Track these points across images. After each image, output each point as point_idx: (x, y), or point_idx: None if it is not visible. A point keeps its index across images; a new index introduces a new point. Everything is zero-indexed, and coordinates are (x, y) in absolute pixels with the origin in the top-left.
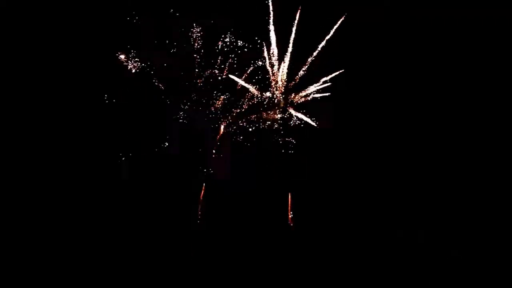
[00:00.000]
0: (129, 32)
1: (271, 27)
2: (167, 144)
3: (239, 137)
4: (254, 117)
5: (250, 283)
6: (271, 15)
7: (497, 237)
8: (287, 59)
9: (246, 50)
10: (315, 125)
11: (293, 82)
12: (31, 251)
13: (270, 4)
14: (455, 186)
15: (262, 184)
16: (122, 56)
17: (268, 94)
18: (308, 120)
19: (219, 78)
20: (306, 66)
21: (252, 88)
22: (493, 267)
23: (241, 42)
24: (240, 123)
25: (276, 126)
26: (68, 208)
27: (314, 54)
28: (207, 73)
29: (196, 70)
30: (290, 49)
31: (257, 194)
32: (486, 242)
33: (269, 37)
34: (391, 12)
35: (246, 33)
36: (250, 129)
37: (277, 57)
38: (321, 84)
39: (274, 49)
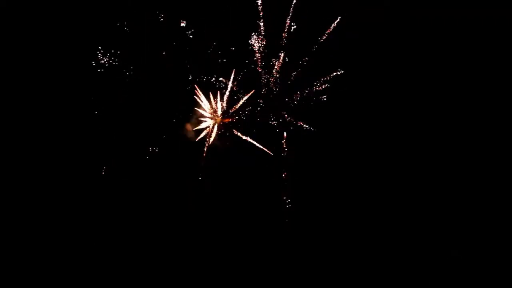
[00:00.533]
0: (122, 33)
1: (266, 27)
2: (158, 147)
3: (233, 141)
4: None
5: (250, 282)
6: (265, 14)
7: (497, 237)
8: (282, 60)
9: (235, 50)
10: (312, 129)
11: (279, 86)
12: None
13: (260, 3)
14: (455, 186)
15: (259, 185)
16: (104, 58)
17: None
18: (304, 124)
19: (212, 80)
20: (303, 67)
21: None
22: (493, 267)
23: (233, 42)
24: (234, 128)
25: (271, 128)
26: (62, 210)
27: (312, 55)
28: (202, 77)
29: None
30: (286, 50)
31: (254, 194)
32: (486, 242)
33: (263, 37)
34: (391, 12)
35: (237, 32)
36: (244, 136)
37: (272, 59)
38: (319, 86)
39: (269, 50)
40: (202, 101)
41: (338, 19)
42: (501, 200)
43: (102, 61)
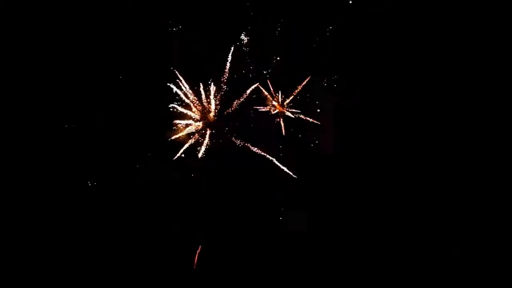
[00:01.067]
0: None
1: (264, 26)
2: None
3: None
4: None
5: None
6: (263, 14)
7: (497, 237)
8: (281, 61)
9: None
10: (310, 130)
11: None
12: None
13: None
14: (455, 186)
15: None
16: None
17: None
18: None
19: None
20: (302, 68)
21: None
22: (493, 267)
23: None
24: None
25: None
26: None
27: (311, 55)
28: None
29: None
30: (285, 51)
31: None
32: (486, 242)
33: (260, 37)
34: (391, 12)
35: (233, 32)
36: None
37: (269, 59)
38: (319, 86)
39: (267, 51)
40: (193, 101)
41: (338, 20)
42: (501, 200)
43: (97, 62)
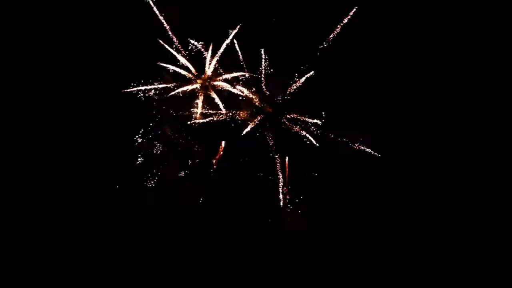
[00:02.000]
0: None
1: (264, 27)
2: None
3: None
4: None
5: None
6: (264, 14)
7: (497, 237)
8: (283, 59)
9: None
10: (308, 130)
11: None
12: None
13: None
14: (455, 185)
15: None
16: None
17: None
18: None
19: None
20: (303, 68)
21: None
22: (493, 267)
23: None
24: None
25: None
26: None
27: (312, 55)
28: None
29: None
30: (285, 51)
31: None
32: (486, 242)
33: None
34: (391, 12)
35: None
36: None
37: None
38: (317, 86)
39: (267, 51)
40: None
41: (337, 19)
42: (501, 200)
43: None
